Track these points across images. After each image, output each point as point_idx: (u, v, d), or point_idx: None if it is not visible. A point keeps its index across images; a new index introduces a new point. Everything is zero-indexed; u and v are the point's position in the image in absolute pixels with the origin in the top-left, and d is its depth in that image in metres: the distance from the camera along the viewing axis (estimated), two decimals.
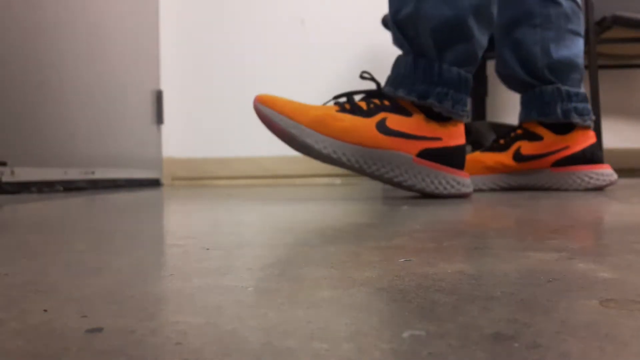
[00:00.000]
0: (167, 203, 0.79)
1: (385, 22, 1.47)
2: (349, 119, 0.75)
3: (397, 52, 0.84)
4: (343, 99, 0.80)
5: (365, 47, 1.74)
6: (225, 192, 1.08)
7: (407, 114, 0.76)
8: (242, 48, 1.80)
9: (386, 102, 0.77)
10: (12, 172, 0.98)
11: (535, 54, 0.96)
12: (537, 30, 0.96)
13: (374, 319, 0.18)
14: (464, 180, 0.77)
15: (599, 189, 0.95)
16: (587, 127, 0.97)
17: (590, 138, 0.97)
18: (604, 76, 1.86)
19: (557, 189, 0.97)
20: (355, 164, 0.74)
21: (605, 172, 0.96)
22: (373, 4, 1.59)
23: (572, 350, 0.14)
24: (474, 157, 0.99)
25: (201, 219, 0.52)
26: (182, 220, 0.54)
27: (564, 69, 0.96)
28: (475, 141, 1.55)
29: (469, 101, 0.80)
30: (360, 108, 0.76)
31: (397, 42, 0.82)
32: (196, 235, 0.39)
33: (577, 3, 0.98)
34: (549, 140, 0.97)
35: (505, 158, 0.98)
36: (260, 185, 1.56)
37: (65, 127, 1.18)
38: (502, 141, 1.00)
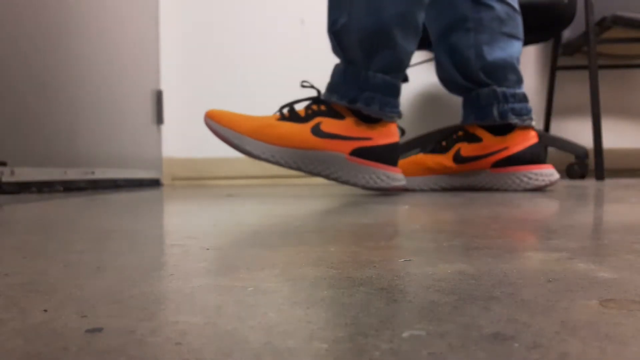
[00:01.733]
0: (167, 203, 0.79)
1: None
2: (285, 126, 0.83)
3: None
4: (286, 109, 0.88)
5: None
6: (225, 192, 1.08)
7: (340, 117, 0.85)
8: (242, 48, 1.80)
9: (322, 108, 0.85)
10: (12, 172, 0.98)
11: (469, 57, 0.98)
12: (470, 34, 0.98)
13: (374, 319, 0.18)
14: (394, 175, 0.85)
15: (539, 189, 0.96)
16: (527, 127, 0.98)
17: (531, 138, 0.98)
18: (604, 76, 1.86)
19: (497, 190, 0.99)
20: (293, 164, 0.83)
21: (544, 172, 0.96)
22: None
23: (572, 350, 0.14)
24: (416, 159, 1.02)
25: (201, 219, 0.52)
26: (182, 220, 0.54)
27: (499, 70, 0.98)
28: None
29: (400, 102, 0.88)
30: (298, 115, 0.85)
31: (334, 50, 0.89)
32: (196, 235, 0.39)
33: (512, 7, 1.00)
34: (488, 141, 0.99)
35: (445, 160, 1.00)
36: (260, 185, 1.56)
37: (65, 127, 1.18)
38: (444, 143, 1.03)
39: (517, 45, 1.00)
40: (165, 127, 1.77)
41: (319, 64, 1.79)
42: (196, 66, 1.80)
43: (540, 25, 1.52)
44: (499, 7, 0.98)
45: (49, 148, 1.12)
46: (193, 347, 0.15)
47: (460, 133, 1.02)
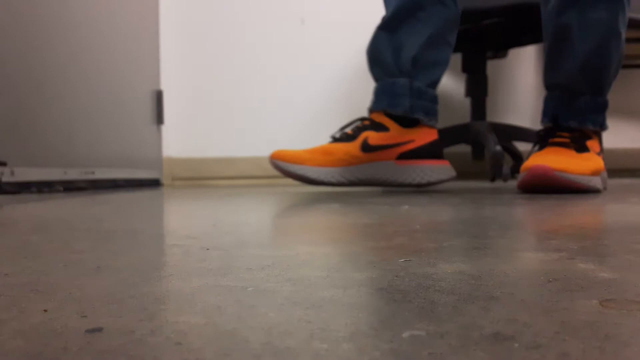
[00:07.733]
0: (167, 203, 0.79)
1: None
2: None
3: None
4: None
5: (365, 47, 1.74)
6: (225, 192, 1.08)
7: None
8: (242, 48, 1.80)
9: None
10: (12, 172, 0.98)
11: (408, 43, 1.00)
12: (418, 25, 0.99)
13: (374, 319, 0.18)
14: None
15: (440, 182, 1.01)
16: (431, 127, 1.02)
17: (433, 134, 1.02)
18: None
19: (401, 184, 0.99)
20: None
21: (445, 167, 1.02)
22: (373, 3, 1.59)
23: (572, 350, 0.14)
24: (323, 148, 0.99)
25: (201, 219, 0.52)
26: (182, 220, 0.53)
27: (424, 65, 0.99)
28: (475, 141, 1.55)
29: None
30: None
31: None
32: (196, 235, 0.39)
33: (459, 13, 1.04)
34: (395, 132, 0.99)
35: (352, 148, 0.98)
36: (260, 185, 1.56)
37: (65, 127, 1.18)
38: (349, 131, 1.01)
39: (448, 52, 1.03)
40: (165, 127, 1.77)
41: (319, 64, 1.79)
42: (196, 66, 1.80)
43: (540, 25, 1.52)
44: (454, 9, 1.01)
45: (49, 148, 1.12)
46: (193, 347, 0.15)
47: (365, 122, 1.01)
